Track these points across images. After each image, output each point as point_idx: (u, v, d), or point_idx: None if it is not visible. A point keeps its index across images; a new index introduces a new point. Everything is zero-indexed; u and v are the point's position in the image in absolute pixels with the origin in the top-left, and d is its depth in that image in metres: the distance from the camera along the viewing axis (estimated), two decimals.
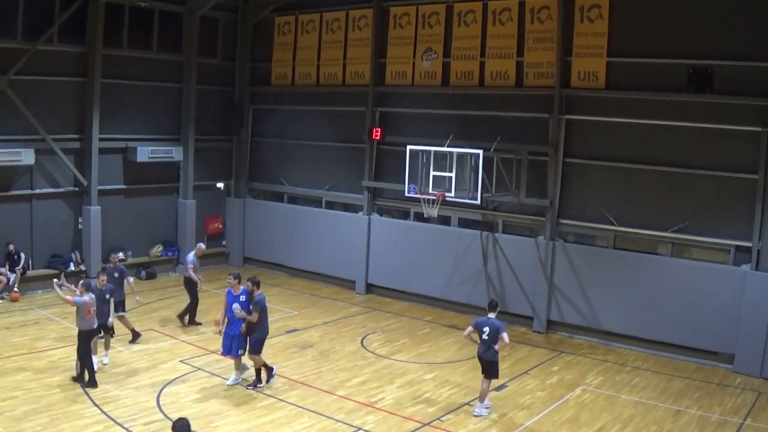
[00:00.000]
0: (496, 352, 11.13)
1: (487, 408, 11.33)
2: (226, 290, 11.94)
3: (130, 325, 13.86)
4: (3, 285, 16.33)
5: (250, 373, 12.13)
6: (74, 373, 11.69)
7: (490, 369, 11.24)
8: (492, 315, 11.26)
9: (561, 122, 15.84)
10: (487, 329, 11.11)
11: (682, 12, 14.43)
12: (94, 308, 11.52)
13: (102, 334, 12.25)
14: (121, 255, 14.86)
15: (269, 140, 21.45)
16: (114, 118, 18.60)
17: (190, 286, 15.26)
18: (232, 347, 11.82)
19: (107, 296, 12.21)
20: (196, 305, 15.38)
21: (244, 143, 21.78)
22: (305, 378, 12.56)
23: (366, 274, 19.10)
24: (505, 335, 10.97)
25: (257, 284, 11.92)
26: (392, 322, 16.67)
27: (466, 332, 11.46)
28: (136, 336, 13.82)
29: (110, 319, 12.35)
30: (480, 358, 11.30)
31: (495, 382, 11.69)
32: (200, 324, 15.22)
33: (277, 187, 21.35)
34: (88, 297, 11.37)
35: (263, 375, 12.01)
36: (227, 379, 12.02)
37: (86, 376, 11.45)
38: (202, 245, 16.24)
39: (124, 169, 19.34)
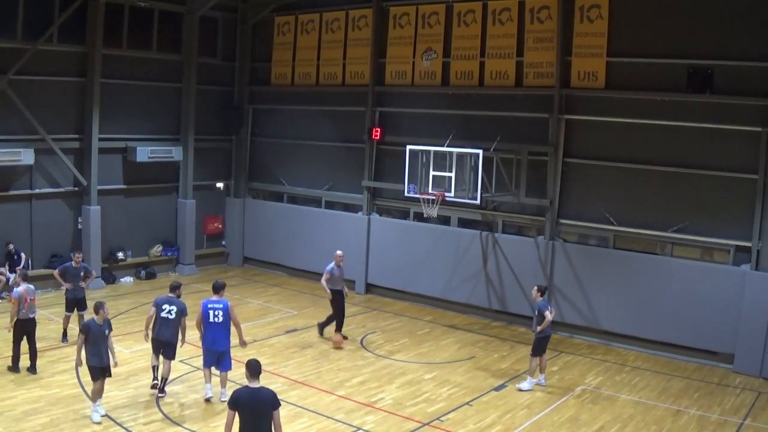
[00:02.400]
0: (538, 331, 12.30)
1: (531, 384, 12.46)
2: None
3: (65, 325, 13.72)
4: (3, 285, 16.31)
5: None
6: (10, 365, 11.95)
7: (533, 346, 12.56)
8: (541, 299, 12.46)
9: (561, 122, 15.84)
10: (536, 311, 12.46)
11: (681, 12, 14.43)
12: (31, 297, 11.78)
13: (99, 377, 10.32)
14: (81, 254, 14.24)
15: (269, 140, 21.45)
16: (114, 118, 18.60)
17: (334, 297, 14.70)
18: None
19: (107, 332, 10.31)
20: (336, 317, 14.79)
21: (243, 143, 21.78)
22: (305, 378, 12.56)
23: (366, 274, 19.09)
24: (546, 313, 12.17)
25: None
26: (392, 322, 16.67)
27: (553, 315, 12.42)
28: (64, 336, 13.73)
29: (112, 360, 10.43)
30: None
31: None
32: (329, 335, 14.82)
33: (276, 187, 21.35)
34: (23, 288, 11.76)
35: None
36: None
37: (28, 363, 11.90)
38: (339, 252, 14.98)
39: (124, 169, 19.34)
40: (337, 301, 14.76)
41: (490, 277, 16.98)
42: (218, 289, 11.21)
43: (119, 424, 10.12)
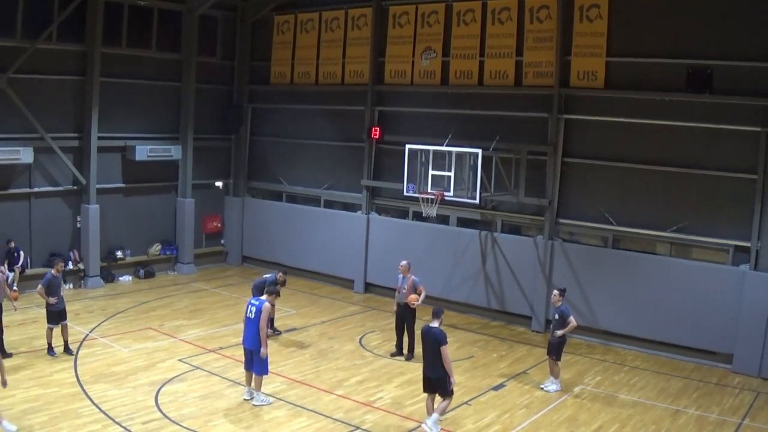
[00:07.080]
0: (555, 337, 12.30)
1: (554, 384, 12.47)
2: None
3: (50, 338, 12.93)
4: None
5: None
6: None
7: (550, 349, 12.57)
8: (561, 302, 12.42)
9: (560, 122, 15.84)
10: (556, 315, 12.39)
11: (681, 12, 14.43)
12: None
13: None
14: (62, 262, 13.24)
15: (268, 139, 21.44)
16: (113, 116, 18.56)
17: (396, 312, 13.82)
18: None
19: None
20: (396, 335, 13.94)
21: (242, 142, 21.77)
22: (304, 377, 12.55)
23: (364, 274, 19.09)
24: (571, 319, 12.16)
25: None
26: (391, 321, 16.52)
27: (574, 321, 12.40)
28: (67, 350, 12.99)
29: None
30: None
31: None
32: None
33: (275, 186, 21.34)
34: None
35: None
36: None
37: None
38: (402, 262, 13.86)
39: (123, 168, 19.32)
40: (398, 315, 13.79)
41: (489, 277, 16.98)
42: (261, 289, 11.65)
43: (117, 423, 10.10)
